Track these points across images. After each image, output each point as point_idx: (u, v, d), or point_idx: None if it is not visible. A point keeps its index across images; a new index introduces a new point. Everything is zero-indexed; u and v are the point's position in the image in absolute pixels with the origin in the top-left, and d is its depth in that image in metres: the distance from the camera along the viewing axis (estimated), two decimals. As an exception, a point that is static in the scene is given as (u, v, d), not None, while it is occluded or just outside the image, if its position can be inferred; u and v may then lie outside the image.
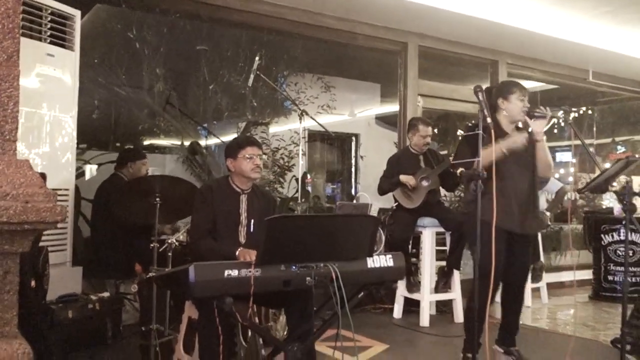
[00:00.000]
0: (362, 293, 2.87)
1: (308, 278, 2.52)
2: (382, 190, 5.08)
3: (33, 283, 3.03)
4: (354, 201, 6.76)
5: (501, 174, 3.22)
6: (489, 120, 2.95)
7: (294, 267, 2.51)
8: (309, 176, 10.81)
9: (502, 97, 3.49)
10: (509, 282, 3.66)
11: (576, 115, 12.43)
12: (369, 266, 2.73)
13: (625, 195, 2.85)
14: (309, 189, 10.89)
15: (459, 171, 3.05)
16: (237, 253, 2.87)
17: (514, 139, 3.35)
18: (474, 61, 6.76)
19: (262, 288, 2.46)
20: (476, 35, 6.15)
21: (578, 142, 3.47)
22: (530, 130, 3.40)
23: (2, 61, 2.04)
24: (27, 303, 2.88)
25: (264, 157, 3.20)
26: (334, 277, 2.51)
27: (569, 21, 5.77)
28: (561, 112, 3.34)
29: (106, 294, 4.08)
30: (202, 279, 2.34)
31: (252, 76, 4.33)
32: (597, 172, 3.77)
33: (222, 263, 2.44)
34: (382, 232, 4.77)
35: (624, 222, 5.93)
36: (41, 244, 3.42)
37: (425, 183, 4.87)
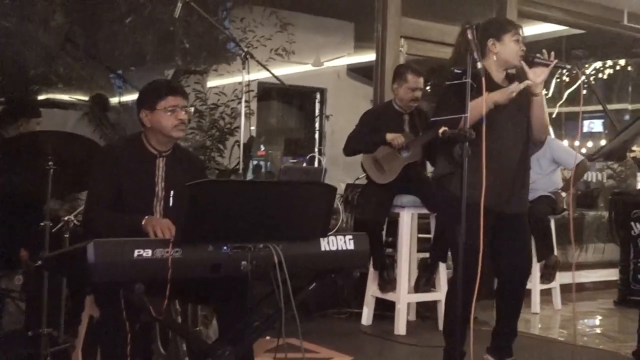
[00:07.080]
0: (314, 284, 2.98)
1: (243, 262, 2.62)
2: (351, 149, 5.15)
3: None
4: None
5: (491, 135, 3.28)
6: (479, 65, 3.06)
7: (225, 248, 2.61)
8: (262, 147, 10.76)
9: (493, 38, 3.58)
10: (504, 278, 3.83)
11: (610, 71, 12.73)
12: (322, 249, 2.84)
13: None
14: (263, 164, 10.82)
15: (441, 131, 3.15)
16: (143, 222, 2.87)
17: (510, 89, 3.43)
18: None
19: (183, 273, 2.55)
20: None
21: (611, 107, 3.63)
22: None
23: None
24: None
25: (190, 110, 3.24)
26: (276, 261, 2.62)
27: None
28: (569, 67, 3.45)
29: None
30: (104, 259, 2.40)
31: (179, 4, 4.36)
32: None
33: (131, 240, 2.52)
34: (341, 208, 4.86)
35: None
36: None
37: (404, 154, 4.96)
